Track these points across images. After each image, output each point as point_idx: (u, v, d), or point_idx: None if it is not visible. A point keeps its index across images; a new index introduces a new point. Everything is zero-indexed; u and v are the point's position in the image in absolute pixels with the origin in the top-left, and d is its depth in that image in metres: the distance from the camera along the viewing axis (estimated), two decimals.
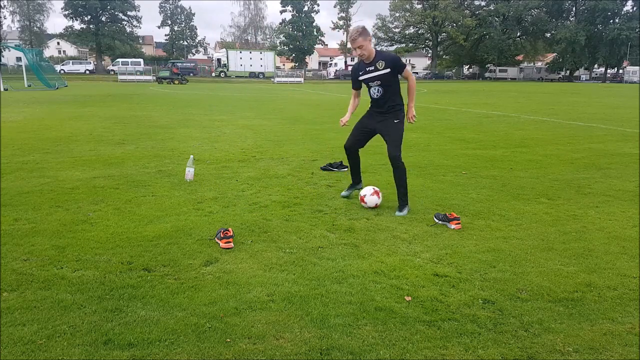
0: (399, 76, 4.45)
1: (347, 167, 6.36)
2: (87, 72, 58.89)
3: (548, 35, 74.58)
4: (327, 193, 5.16)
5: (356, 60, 4.63)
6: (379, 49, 4.74)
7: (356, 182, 5.01)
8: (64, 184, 5.33)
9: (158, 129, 10.18)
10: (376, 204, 4.58)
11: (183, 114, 13.59)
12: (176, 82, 38.95)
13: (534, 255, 3.49)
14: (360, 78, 4.48)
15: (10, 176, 5.68)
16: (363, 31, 4.26)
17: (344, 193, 5.02)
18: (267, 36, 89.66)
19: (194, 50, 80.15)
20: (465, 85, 48.52)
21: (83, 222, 4.05)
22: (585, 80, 74.43)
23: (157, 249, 3.49)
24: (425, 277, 3.10)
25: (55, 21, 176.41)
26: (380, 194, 4.61)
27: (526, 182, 5.74)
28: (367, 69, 4.39)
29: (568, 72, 73.72)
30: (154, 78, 44.18)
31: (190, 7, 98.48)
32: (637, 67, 63.31)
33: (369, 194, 4.59)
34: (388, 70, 4.32)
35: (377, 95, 4.46)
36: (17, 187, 5.16)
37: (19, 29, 66.56)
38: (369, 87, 4.51)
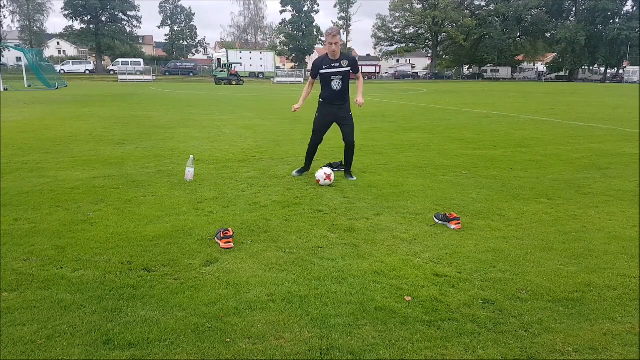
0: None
1: None
2: (87, 72, 58.89)
3: (548, 35, 74.59)
4: (327, 193, 5.16)
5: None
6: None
7: (307, 168, 6.03)
8: (64, 184, 5.34)
9: (158, 129, 10.18)
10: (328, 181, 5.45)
11: (183, 114, 13.59)
12: (233, 82, 39.19)
13: (534, 255, 3.49)
14: (323, 71, 5.42)
15: (10, 176, 5.68)
16: (339, 31, 5.31)
17: (294, 173, 5.99)
18: (267, 36, 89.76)
19: (194, 50, 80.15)
20: (463, 85, 48.53)
21: (83, 222, 4.05)
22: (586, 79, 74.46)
23: (157, 249, 3.49)
24: (425, 277, 3.10)
25: (55, 21, 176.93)
26: (332, 177, 5.46)
27: (526, 182, 5.74)
28: (332, 65, 5.38)
29: (568, 72, 73.69)
30: (153, 78, 44.19)
31: (190, 7, 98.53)
32: (637, 67, 63.31)
33: (322, 179, 5.44)
34: (349, 68, 5.41)
35: (337, 87, 5.46)
36: (17, 187, 5.16)
37: (19, 29, 66.59)
38: (331, 80, 5.43)
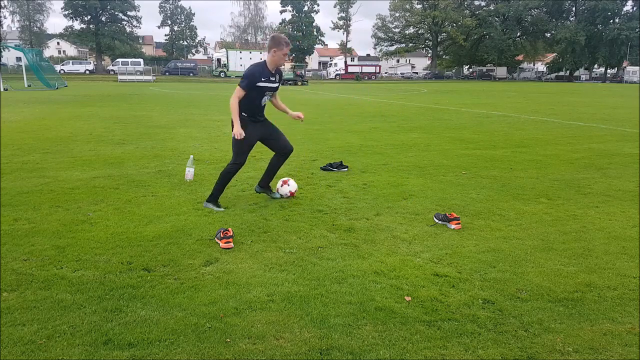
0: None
1: (347, 167, 6.37)
2: (87, 72, 58.89)
3: (548, 35, 74.57)
4: (327, 193, 5.16)
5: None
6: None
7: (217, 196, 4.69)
8: (64, 184, 5.33)
9: (158, 129, 10.17)
10: (290, 192, 4.92)
11: (183, 114, 13.59)
12: (299, 83, 41.40)
13: (534, 255, 3.49)
14: (261, 84, 4.44)
15: (10, 176, 5.68)
16: None
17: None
18: (267, 36, 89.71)
19: (193, 50, 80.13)
20: (463, 85, 48.54)
21: (83, 222, 4.05)
22: (585, 80, 74.42)
23: (157, 249, 3.49)
24: (425, 277, 3.10)
25: (55, 21, 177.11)
26: (289, 182, 4.96)
27: (526, 182, 5.74)
28: (271, 78, 4.51)
29: (568, 72, 73.68)
30: (153, 78, 44.25)
31: (190, 7, 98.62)
32: (637, 67, 63.30)
33: (284, 188, 4.90)
34: (278, 84, 4.69)
35: (264, 103, 4.68)
36: (17, 187, 5.16)
37: (19, 29, 66.51)
38: (264, 95, 4.56)
